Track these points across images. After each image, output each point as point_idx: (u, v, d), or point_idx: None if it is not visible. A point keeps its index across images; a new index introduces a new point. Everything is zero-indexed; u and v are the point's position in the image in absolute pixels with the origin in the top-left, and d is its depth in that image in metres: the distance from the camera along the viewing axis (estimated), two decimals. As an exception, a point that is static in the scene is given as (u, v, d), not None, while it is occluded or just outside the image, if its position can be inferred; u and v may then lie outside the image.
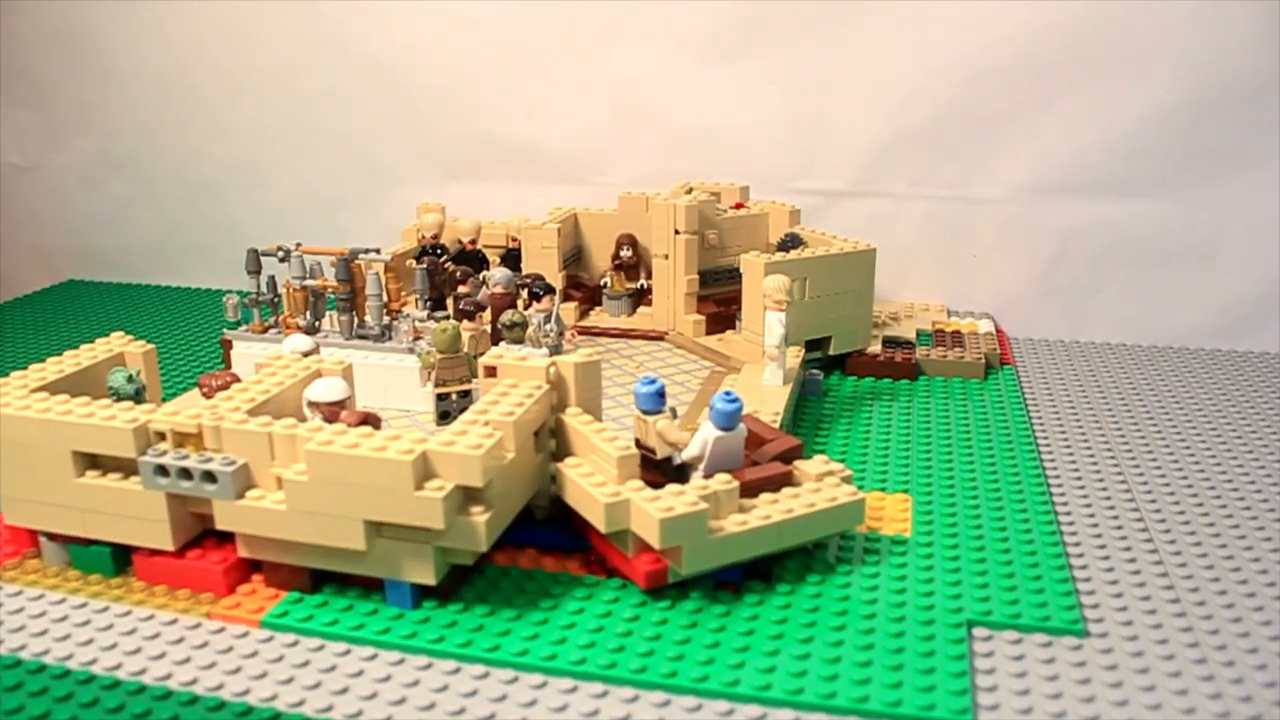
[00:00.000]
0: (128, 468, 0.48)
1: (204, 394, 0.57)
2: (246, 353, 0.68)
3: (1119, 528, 0.55)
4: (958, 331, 0.79)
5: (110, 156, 1.06)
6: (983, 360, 0.77)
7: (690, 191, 0.78)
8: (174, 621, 0.47)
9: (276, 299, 0.69)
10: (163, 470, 0.46)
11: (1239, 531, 0.55)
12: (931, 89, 0.84)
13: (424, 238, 0.85)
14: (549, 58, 0.93)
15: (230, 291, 0.82)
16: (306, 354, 0.60)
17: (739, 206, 0.79)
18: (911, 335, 0.81)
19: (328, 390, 0.51)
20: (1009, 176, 0.85)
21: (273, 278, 0.72)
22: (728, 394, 0.51)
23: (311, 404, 0.51)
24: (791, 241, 0.74)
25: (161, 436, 0.47)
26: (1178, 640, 0.46)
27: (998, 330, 0.83)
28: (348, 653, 0.44)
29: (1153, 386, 0.76)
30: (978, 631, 0.46)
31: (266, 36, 0.97)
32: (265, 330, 0.70)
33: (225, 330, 0.73)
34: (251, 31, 0.97)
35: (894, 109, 0.86)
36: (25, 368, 0.53)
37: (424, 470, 0.43)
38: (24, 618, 0.48)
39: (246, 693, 0.43)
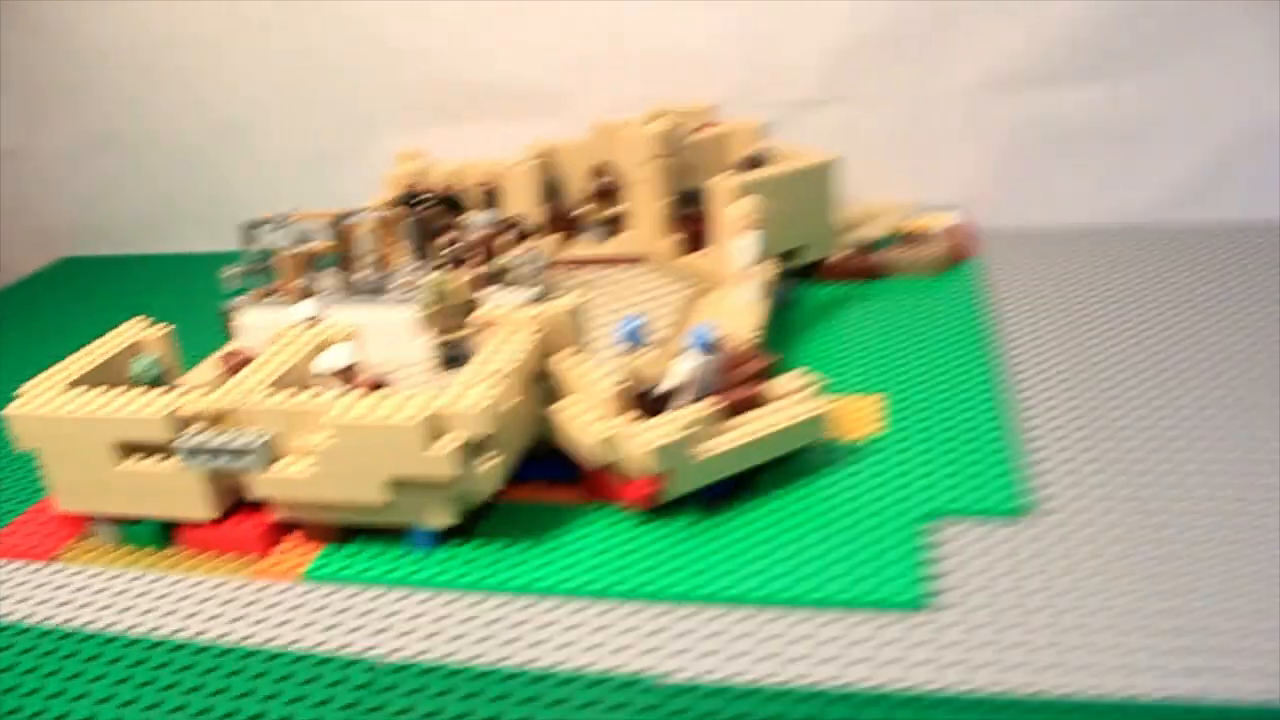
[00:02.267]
0: (165, 449, 0.51)
1: (229, 369, 0.61)
2: (248, 320, 0.71)
3: (1078, 417, 0.59)
4: (924, 230, 0.82)
5: (95, 133, 1.08)
6: (944, 255, 0.79)
7: (660, 117, 0.82)
8: (222, 584, 0.52)
9: (271, 267, 0.74)
10: (197, 451, 0.50)
11: (1192, 408, 0.59)
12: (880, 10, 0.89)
13: (409, 186, 0.89)
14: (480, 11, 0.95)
15: (228, 261, 0.88)
16: (311, 320, 0.66)
17: (707, 127, 0.82)
18: (878, 236, 0.84)
19: (335, 359, 0.55)
20: (966, 72, 0.88)
21: (254, 238, 0.75)
22: (702, 328, 0.53)
23: (322, 374, 0.55)
24: (756, 160, 0.77)
25: (193, 419, 0.52)
26: (1129, 523, 0.50)
27: (964, 223, 0.84)
28: (383, 595, 0.49)
29: (1111, 266, 0.80)
30: (940, 524, 0.50)
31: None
32: (264, 297, 0.75)
33: (226, 301, 0.78)
34: None
35: (851, 14, 0.88)
36: (38, 350, 0.57)
37: (434, 428, 0.47)
38: (87, 594, 0.53)
39: (297, 641, 0.49)
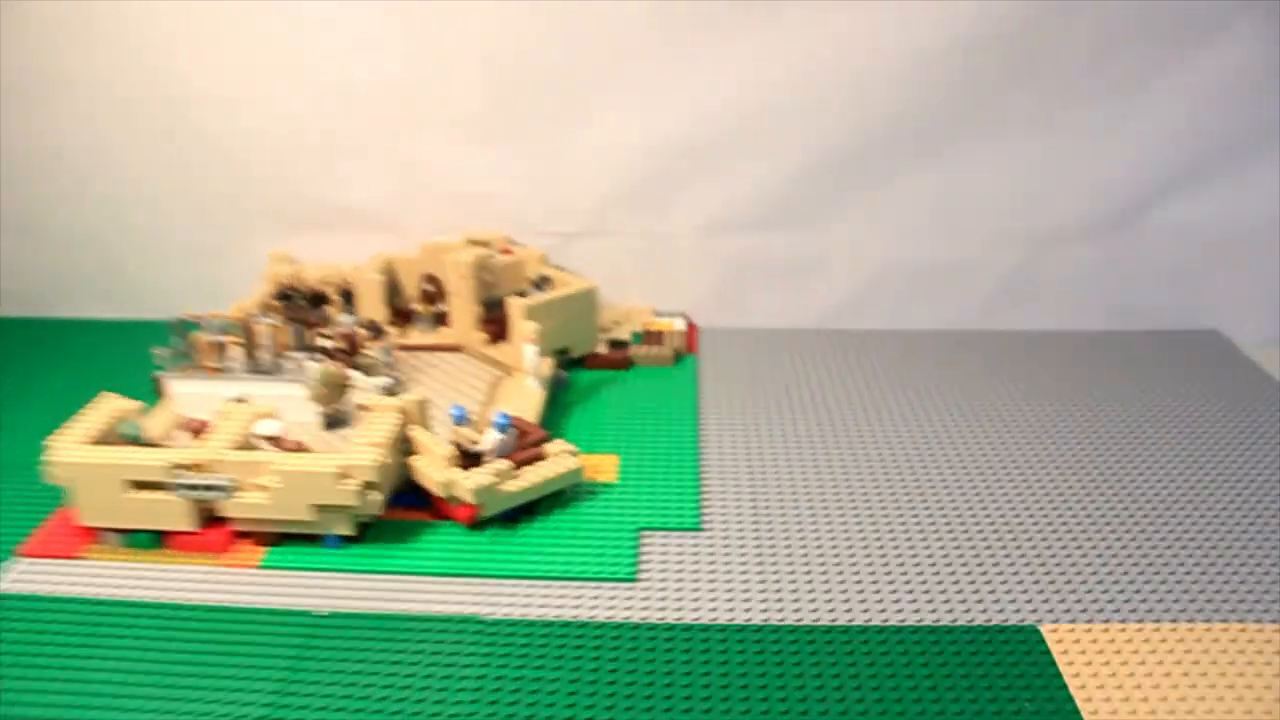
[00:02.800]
0: (161, 485, 0.76)
1: (191, 431, 0.85)
2: (178, 388, 0.91)
3: (747, 464, 0.89)
4: (660, 331, 1.10)
5: (10, 213, 1.17)
6: (672, 352, 1.07)
7: (473, 245, 1.07)
8: (202, 570, 0.75)
9: (189, 348, 0.98)
10: (185, 487, 0.76)
11: (828, 464, 0.90)
12: (630, 161, 1.10)
13: (280, 283, 1.09)
14: (355, 140, 1.10)
15: (120, 327, 1.13)
16: (239, 398, 0.89)
17: (507, 251, 1.08)
18: (627, 335, 1.09)
19: (268, 428, 0.82)
20: (690, 218, 1.12)
21: (181, 329, 0.93)
22: (502, 415, 0.82)
23: (259, 436, 0.83)
24: (541, 282, 1.07)
25: (183, 467, 0.77)
26: (768, 536, 0.79)
27: (690, 325, 1.14)
28: (311, 575, 0.75)
29: (790, 358, 1.08)
30: (648, 534, 0.80)
31: (122, 114, 1.11)
32: (186, 373, 0.93)
33: (156, 372, 0.94)
34: (112, 108, 1.11)
35: (610, 173, 1.10)
36: None
37: (342, 473, 0.75)
38: (110, 577, 0.75)
39: (256, 601, 0.72)
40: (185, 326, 0.94)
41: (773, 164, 1.10)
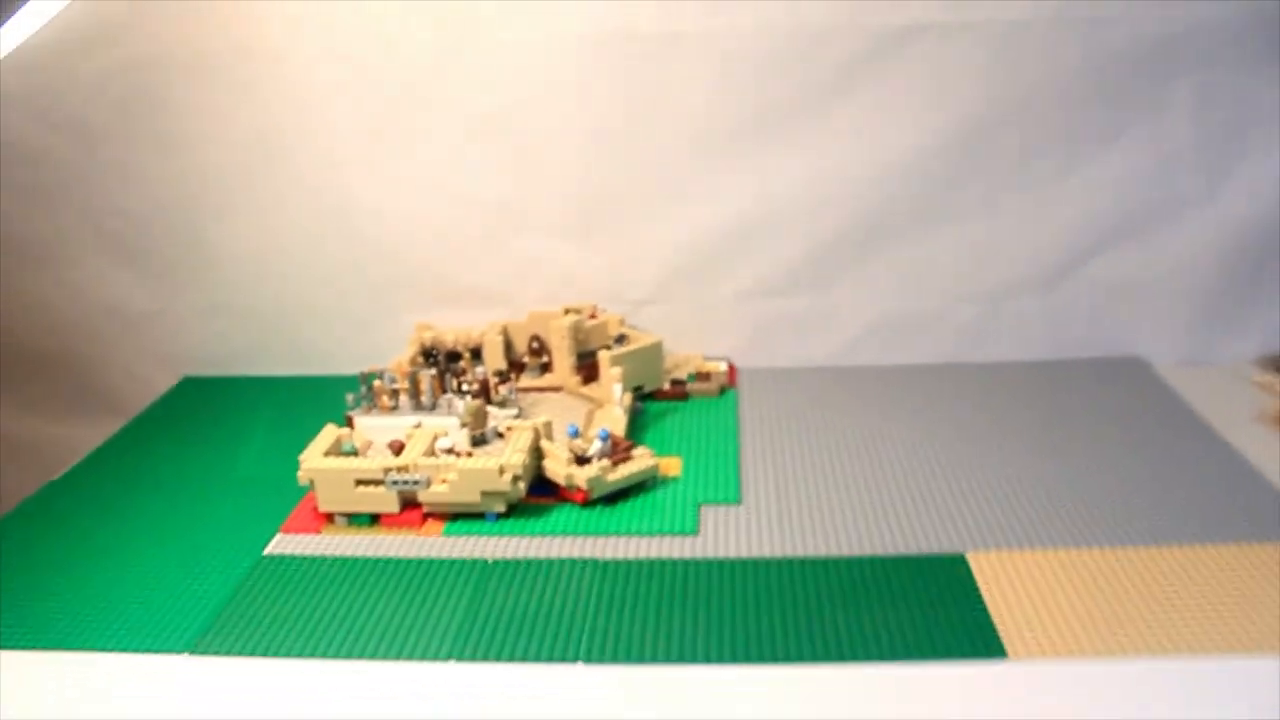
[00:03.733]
0: (379, 482, 1.05)
1: (392, 449, 1.10)
2: (363, 423, 1.18)
3: (775, 460, 1.16)
4: (708, 371, 1.34)
5: (215, 302, 1.46)
6: (718, 387, 1.33)
7: (568, 312, 1.40)
8: (407, 538, 1.03)
9: (371, 394, 1.33)
10: (396, 483, 1.09)
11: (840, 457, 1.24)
12: (682, 248, 1.39)
13: (424, 345, 1.43)
14: (479, 238, 1.37)
15: (305, 383, 1.46)
16: (418, 425, 1.24)
17: (593, 317, 1.34)
18: (684, 375, 1.33)
19: (446, 442, 1.16)
20: (730, 286, 1.40)
21: (366, 380, 1.19)
22: (603, 430, 1.09)
23: (441, 449, 1.19)
24: (620, 339, 1.35)
25: (390, 469, 1.09)
26: (790, 508, 1.08)
27: (730, 367, 1.38)
28: (480, 537, 1.03)
29: (808, 390, 1.34)
30: (703, 506, 1.11)
31: (298, 220, 1.40)
32: (368, 411, 1.21)
33: (348, 411, 1.20)
34: (290, 215, 1.39)
35: (667, 258, 1.38)
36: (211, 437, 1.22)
37: (500, 470, 1.03)
38: (349, 543, 1.04)
39: (441, 555, 1.00)
40: (367, 378, 1.19)
41: (789, 247, 1.35)
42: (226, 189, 1.38)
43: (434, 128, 1.32)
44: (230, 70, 1.31)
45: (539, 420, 1.11)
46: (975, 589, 0.93)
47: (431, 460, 1.05)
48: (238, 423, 1.35)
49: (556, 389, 1.33)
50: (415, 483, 1.05)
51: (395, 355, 1.32)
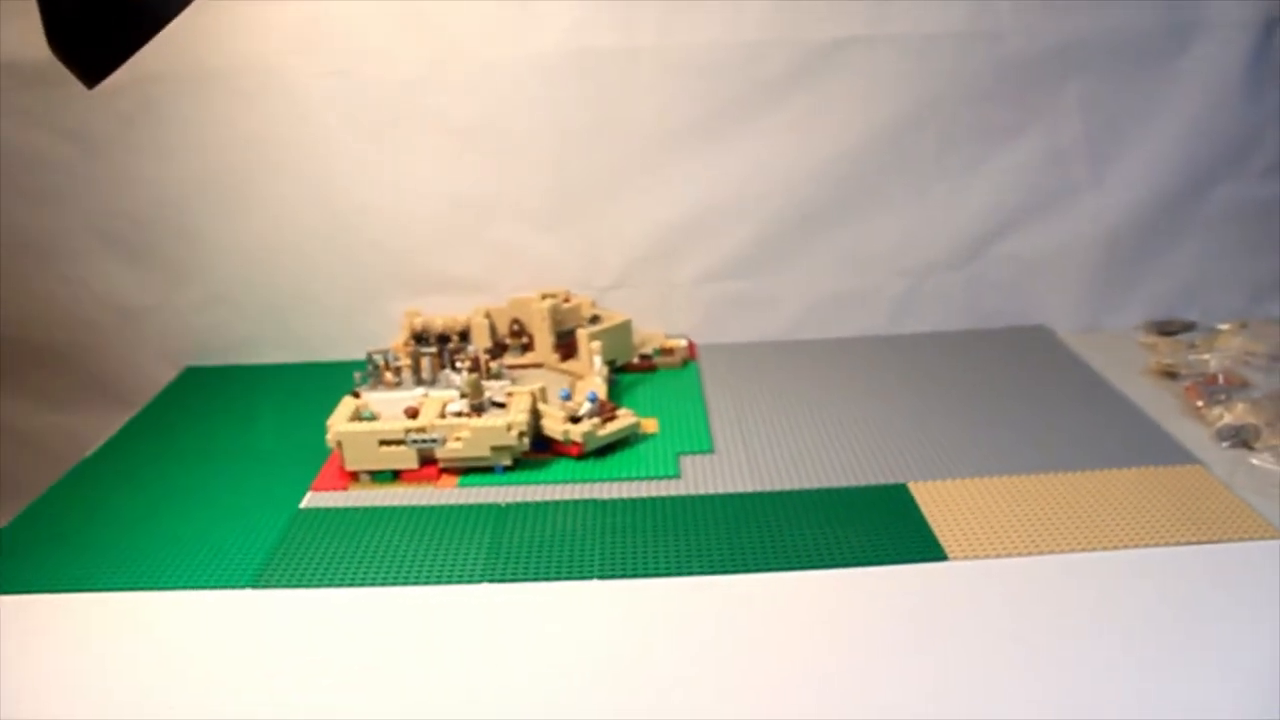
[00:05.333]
0: (400, 442, 1.18)
1: (408, 414, 1.26)
2: (370, 396, 1.30)
3: (737, 416, 1.33)
4: (672, 347, 1.47)
5: (216, 292, 1.54)
6: (681, 360, 1.46)
7: (545, 297, 1.49)
8: (428, 489, 1.15)
9: (377, 371, 1.48)
10: (415, 441, 1.25)
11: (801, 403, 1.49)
12: (644, 237, 1.53)
13: (414, 329, 1.59)
14: (461, 231, 1.51)
15: (305, 369, 1.58)
16: (424, 395, 1.43)
17: (567, 300, 1.45)
18: (650, 350, 1.46)
19: (455, 406, 1.34)
20: (689, 271, 1.54)
21: (371, 359, 1.30)
22: (592, 393, 1.25)
23: (451, 412, 1.35)
24: (594, 319, 1.53)
25: (410, 429, 1.24)
26: (760, 454, 1.33)
27: (690, 343, 1.51)
28: (491, 487, 1.16)
29: (760, 361, 1.50)
30: (681, 456, 1.30)
31: (298, 217, 1.51)
32: (374, 387, 1.35)
33: (356, 388, 1.32)
34: (290, 212, 1.50)
35: (630, 246, 1.51)
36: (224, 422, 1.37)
37: (508, 427, 1.19)
38: (376, 496, 1.17)
39: (457, 501, 1.13)
40: (372, 358, 1.38)
41: (738, 235, 1.49)
42: (224, 190, 1.47)
43: (419, 133, 1.44)
44: (231, 82, 1.42)
45: (536, 386, 1.26)
46: (917, 509, 1.08)
47: (445, 421, 1.19)
48: (244, 406, 1.44)
49: (538, 365, 1.46)
50: (433, 441, 1.18)
51: (385, 341, 1.43)
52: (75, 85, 1.37)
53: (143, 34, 1.02)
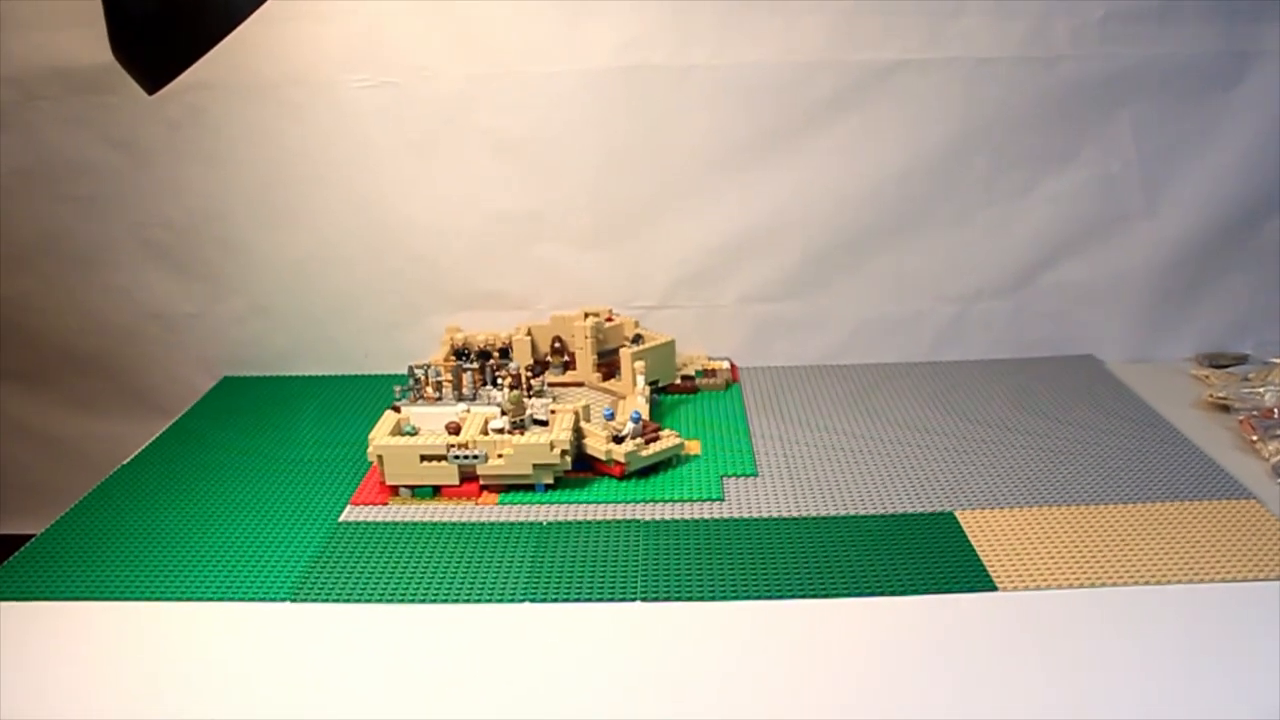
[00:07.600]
0: (441, 458, 1.17)
1: (449, 429, 1.28)
2: (411, 410, 1.29)
3: (780, 440, 1.33)
4: (714, 368, 1.45)
5: (253, 305, 1.54)
6: (724, 381, 1.45)
7: (587, 316, 1.50)
8: (466, 507, 1.13)
9: (418, 385, 1.48)
10: (458, 457, 1.25)
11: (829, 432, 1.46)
12: (689, 259, 1.52)
13: (455, 345, 1.55)
14: (505, 248, 1.51)
15: (344, 381, 1.58)
16: (466, 411, 1.42)
17: (610, 319, 1.45)
18: (693, 372, 1.44)
19: (498, 424, 1.33)
20: (731, 294, 1.51)
21: (413, 373, 1.28)
22: (635, 413, 1.22)
23: (494, 430, 1.34)
24: (637, 339, 1.55)
25: (452, 445, 1.28)
26: (778, 482, 1.29)
27: (733, 365, 1.50)
28: (532, 506, 1.14)
29: (803, 384, 1.48)
30: (725, 478, 1.31)
31: (344, 231, 1.51)
32: (414, 401, 1.38)
33: (396, 402, 1.31)
34: (337, 227, 1.51)
35: (674, 267, 1.49)
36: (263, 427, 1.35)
37: (550, 445, 1.18)
38: (415, 511, 1.14)
39: (498, 520, 1.11)
40: (413, 372, 1.34)
41: (784, 257, 1.48)
42: (269, 201, 1.47)
43: (466, 148, 1.43)
44: (280, 93, 1.42)
45: (579, 404, 1.25)
46: (965, 538, 1.07)
47: (488, 438, 1.18)
48: (282, 417, 1.44)
49: (579, 384, 1.45)
50: (475, 457, 1.17)
51: (425, 356, 1.43)
52: (125, 93, 1.38)
53: (207, 41, 1.02)
